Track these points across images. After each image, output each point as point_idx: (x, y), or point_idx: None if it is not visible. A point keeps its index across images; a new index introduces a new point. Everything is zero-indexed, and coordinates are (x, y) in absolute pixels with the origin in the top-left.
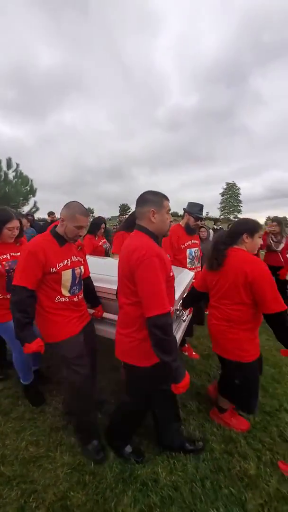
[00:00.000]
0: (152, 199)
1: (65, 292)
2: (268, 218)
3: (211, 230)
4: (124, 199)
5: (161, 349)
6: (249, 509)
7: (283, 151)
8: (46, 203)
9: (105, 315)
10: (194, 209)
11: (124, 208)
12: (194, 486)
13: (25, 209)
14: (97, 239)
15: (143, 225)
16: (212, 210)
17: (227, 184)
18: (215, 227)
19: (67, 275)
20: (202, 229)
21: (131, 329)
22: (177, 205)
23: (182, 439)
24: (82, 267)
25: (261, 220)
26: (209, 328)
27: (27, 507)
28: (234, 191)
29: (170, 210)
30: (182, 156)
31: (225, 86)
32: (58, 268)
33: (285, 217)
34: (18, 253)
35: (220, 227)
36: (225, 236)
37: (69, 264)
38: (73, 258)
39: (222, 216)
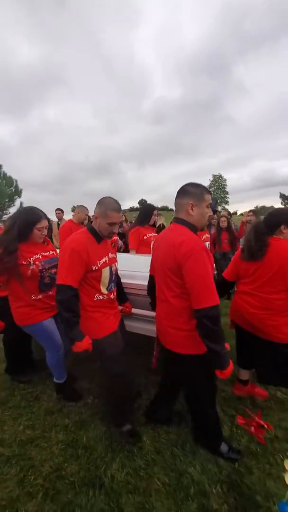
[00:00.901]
0: (193, 191)
1: (103, 289)
2: (257, 207)
3: None
4: (113, 194)
5: (211, 339)
6: (221, 463)
7: (267, 140)
8: (33, 203)
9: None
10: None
11: None
12: (174, 450)
13: (11, 210)
14: None
15: (182, 218)
16: None
17: (214, 176)
18: None
19: (106, 272)
20: None
21: (178, 321)
22: (166, 198)
23: (217, 422)
24: (116, 263)
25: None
26: (245, 315)
27: (26, 480)
28: (220, 183)
29: (210, 203)
30: (170, 149)
31: (208, 77)
32: (99, 265)
33: (272, 206)
34: (48, 253)
35: None
36: (264, 227)
37: (107, 261)
38: (110, 255)
39: None
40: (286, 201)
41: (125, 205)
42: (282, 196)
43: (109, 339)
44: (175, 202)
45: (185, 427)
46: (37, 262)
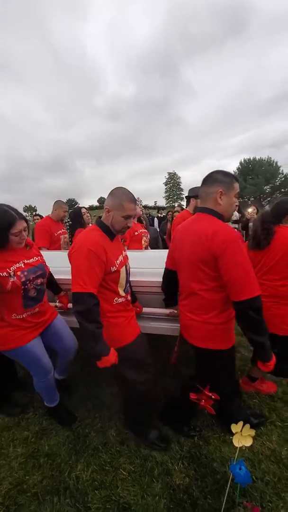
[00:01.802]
0: (222, 179)
1: (121, 291)
2: None
3: (155, 218)
4: (72, 193)
5: (256, 331)
6: (182, 441)
7: (214, 141)
8: None
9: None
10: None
11: (71, 204)
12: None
13: None
14: None
15: (209, 207)
16: (159, 199)
17: (169, 173)
18: (159, 215)
19: (123, 273)
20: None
21: (210, 315)
22: None
23: (245, 413)
24: (128, 262)
25: None
26: None
27: None
28: (175, 180)
29: (238, 192)
30: (127, 146)
31: (160, 77)
32: (117, 265)
33: None
34: (32, 259)
35: (163, 215)
36: (271, 216)
37: (122, 260)
38: (123, 253)
39: (167, 204)
40: None
41: (84, 203)
42: None
43: (134, 344)
44: (200, 191)
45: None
46: (18, 273)
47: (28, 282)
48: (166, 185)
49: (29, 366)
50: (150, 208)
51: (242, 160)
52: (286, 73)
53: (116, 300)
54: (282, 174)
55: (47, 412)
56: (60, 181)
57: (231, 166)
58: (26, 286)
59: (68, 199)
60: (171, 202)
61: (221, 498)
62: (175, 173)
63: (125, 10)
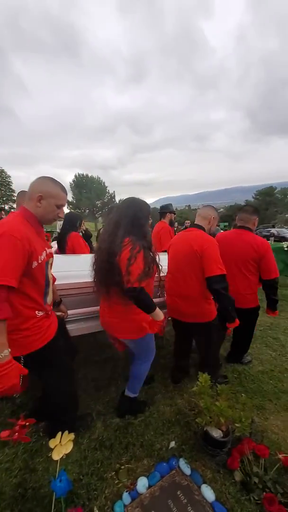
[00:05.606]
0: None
1: None
2: None
3: None
4: None
5: None
6: (12, 480)
7: (49, 148)
8: None
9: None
10: (171, 207)
11: None
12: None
13: None
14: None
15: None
16: None
17: None
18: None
19: None
20: None
21: None
22: None
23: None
24: None
25: None
26: None
27: None
28: (4, 179)
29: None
30: None
31: None
32: None
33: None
34: None
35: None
36: None
37: None
38: None
39: None
40: (70, 206)
41: None
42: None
43: None
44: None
45: None
46: None
47: None
48: None
49: (149, 351)
50: None
51: (77, 174)
52: (105, 111)
53: None
54: (109, 193)
55: (128, 405)
56: None
57: (68, 177)
58: None
59: None
60: (0, 203)
61: None
62: (3, 171)
63: None
